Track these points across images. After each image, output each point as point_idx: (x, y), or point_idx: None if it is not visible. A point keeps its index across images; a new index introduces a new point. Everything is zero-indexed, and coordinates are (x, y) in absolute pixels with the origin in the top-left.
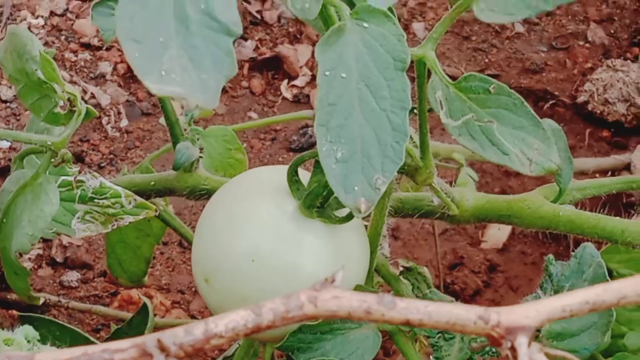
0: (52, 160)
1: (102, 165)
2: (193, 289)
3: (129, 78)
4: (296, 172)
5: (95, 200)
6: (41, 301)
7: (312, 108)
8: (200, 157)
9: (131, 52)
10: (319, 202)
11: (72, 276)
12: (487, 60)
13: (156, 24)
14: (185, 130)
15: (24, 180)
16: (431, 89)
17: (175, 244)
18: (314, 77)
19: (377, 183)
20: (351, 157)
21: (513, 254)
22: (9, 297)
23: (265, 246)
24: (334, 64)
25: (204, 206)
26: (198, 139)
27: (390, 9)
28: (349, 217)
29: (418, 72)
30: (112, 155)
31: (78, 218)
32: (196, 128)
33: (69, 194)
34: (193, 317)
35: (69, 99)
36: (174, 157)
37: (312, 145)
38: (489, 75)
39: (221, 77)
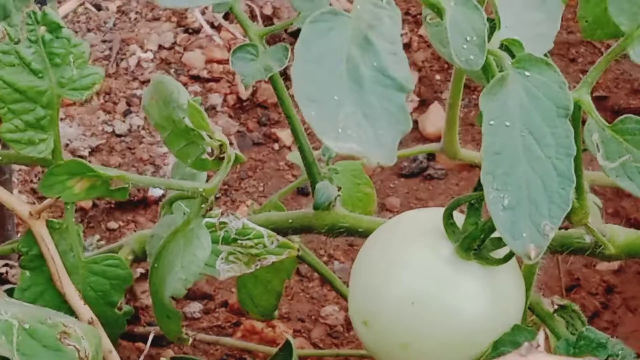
0: (203, 205)
1: (217, 196)
2: (313, 317)
3: (239, 109)
4: (451, 215)
5: (239, 241)
6: (190, 341)
7: (420, 133)
8: (338, 195)
9: (308, 110)
10: (476, 245)
11: (194, 307)
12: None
13: (330, 83)
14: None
15: (174, 225)
16: (587, 132)
17: (294, 272)
18: (421, 102)
19: (545, 229)
20: (518, 204)
21: (629, 275)
22: (135, 330)
23: (424, 290)
24: (498, 113)
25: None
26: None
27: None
28: (507, 258)
29: (573, 115)
30: (226, 186)
31: (222, 259)
32: (333, 167)
33: (212, 235)
34: (315, 345)
35: (220, 146)
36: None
37: (423, 170)
38: (597, 97)
39: (397, 133)
